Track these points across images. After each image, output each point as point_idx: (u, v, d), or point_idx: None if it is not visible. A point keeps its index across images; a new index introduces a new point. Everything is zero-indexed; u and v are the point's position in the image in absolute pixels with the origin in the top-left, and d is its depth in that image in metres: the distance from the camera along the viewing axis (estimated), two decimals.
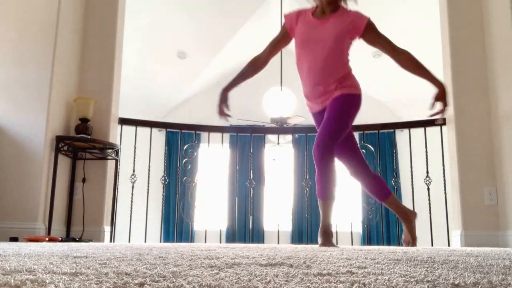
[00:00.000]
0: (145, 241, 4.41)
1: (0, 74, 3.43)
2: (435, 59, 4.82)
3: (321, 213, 2.49)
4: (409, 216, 2.71)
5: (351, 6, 2.54)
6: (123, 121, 4.06)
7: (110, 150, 3.68)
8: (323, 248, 2.16)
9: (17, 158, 3.29)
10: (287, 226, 7.34)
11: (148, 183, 4.23)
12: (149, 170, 4.31)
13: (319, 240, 2.48)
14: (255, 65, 2.68)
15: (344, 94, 2.50)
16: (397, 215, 2.77)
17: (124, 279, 0.72)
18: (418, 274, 0.83)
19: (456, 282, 0.70)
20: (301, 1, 7.10)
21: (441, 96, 2.53)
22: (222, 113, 2.68)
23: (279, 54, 7.43)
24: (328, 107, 2.51)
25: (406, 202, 7.31)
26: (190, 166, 5.32)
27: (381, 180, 2.70)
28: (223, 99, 2.67)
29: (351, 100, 2.51)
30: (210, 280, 0.71)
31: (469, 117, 3.57)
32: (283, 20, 2.63)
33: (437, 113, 2.54)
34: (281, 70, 6.77)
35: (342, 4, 2.53)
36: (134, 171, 4.11)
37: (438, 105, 2.53)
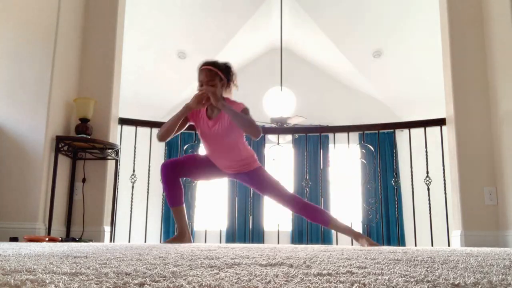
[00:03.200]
0: (145, 241, 4.41)
1: (0, 74, 3.43)
2: (435, 59, 4.83)
3: None
4: (359, 234, 2.89)
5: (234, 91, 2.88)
6: (123, 121, 4.06)
7: (110, 150, 3.68)
8: (323, 247, 2.16)
9: (17, 158, 3.29)
10: (287, 226, 7.33)
11: (148, 183, 4.23)
12: (149, 170, 4.30)
13: None
14: (164, 134, 2.89)
15: (258, 167, 2.95)
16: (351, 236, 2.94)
17: (124, 279, 0.72)
18: (418, 274, 0.83)
19: (456, 282, 0.70)
20: (301, 1, 7.12)
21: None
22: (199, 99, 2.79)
23: (278, 54, 7.42)
24: (255, 177, 2.93)
25: (406, 202, 7.34)
26: None
27: (321, 210, 2.98)
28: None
29: (261, 169, 2.97)
30: (210, 280, 0.71)
31: (469, 117, 3.57)
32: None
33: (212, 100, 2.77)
34: (281, 70, 6.77)
35: (227, 94, 2.84)
36: (134, 171, 4.11)
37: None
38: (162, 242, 3.89)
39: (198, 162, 2.96)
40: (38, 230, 3.20)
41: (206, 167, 2.94)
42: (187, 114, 2.81)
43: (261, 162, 7.64)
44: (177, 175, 2.89)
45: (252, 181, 2.95)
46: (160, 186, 4.55)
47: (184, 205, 2.93)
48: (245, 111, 2.74)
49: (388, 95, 7.89)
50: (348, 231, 2.92)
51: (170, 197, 2.89)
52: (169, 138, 2.87)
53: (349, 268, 0.93)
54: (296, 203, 2.90)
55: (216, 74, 2.77)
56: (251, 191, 4.74)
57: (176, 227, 2.93)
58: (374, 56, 7.21)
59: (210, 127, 2.80)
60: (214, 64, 2.81)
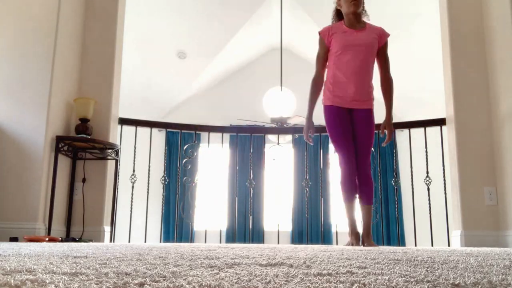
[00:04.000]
0: (145, 241, 4.41)
1: (0, 74, 3.43)
2: (435, 59, 4.83)
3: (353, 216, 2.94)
4: (369, 234, 2.92)
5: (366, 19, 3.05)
6: (123, 121, 4.06)
7: (110, 150, 3.69)
8: (323, 247, 2.16)
9: (17, 158, 3.29)
10: (287, 226, 7.34)
11: (148, 183, 4.23)
12: (149, 170, 4.31)
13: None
14: (319, 84, 3.07)
15: (372, 110, 3.01)
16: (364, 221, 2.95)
17: (124, 279, 0.72)
18: (418, 274, 0.83)
19: (456, 282, 0.70)
20: (301, 2, 7.11)
21: (387, 126, 3.05)
22: (308, 139, 3.09)
23: (279, 54, 7.42)
24: (364, 121, 2.96)
25: (406, 202, 7.34)
26: (190, 166, 5.32)
27: (372, 191, 2.99)
28: (311, 126, 3.10)
29: (373, 116, 3.03)
30: (210, 280, 0.71)
31: (469, 117, 3.57)
32: (318, 36, 3.06)
33: (385, 141, 3.06)
34: (281, 70, 6.77)
35: (364, 19, 3.03)
36: (134, 171, 4.11)
37: (386, 132, 3.05)
38: (163, 242, 3.87)
39: (344, 126, 2.93)
40: (38, 230, 3.20)
41: (346, 124, 2.94)
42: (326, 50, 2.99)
43: (261, 162, 7.67)
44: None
45: (362, 121, 2.95)
46: (160, 186, 4.57)
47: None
48: (387, 44, 2.98)
49: None
50: (366, 226, 2.90)
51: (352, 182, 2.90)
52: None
53: (349, 268, 0.93)
54: (367, 168, 2.92)
55: None
56: (251, 191, 4.73)
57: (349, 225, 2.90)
58: None
59: (356, 36, 2.90)
60: None
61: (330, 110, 2.97)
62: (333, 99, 2.95)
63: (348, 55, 2.89)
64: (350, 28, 2.94)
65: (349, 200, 2.89)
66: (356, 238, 2.85)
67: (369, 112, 2.97)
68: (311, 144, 3.15)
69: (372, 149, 5.33)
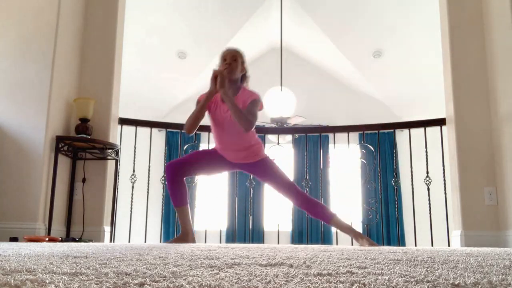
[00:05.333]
0: (145, 241, 4.41)
1: (0, 74, 3.43)
2: (435, 59, 4.83)
3: None
4: (359, 234, 2.89)
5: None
6: (123, 121, 4.06)
7: (110, 150, 3.68)
8: (323, 247, 2.16)
9: (17, 158, 3.29)
10: (287, 226, 7.33)
11: (148, 183, 4.23)
12: (149, 170, 4.30)
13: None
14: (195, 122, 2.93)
15: (263, 159, 2.98)
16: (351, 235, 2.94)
17: (124, 279, 0.72)
18: (418, 274, 0.83)
19: (456, 282, 0.70)
20: (301, 2, 7.11)
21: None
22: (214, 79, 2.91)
23: (279, 54, 7.41)
24: (263, 169, 2.96)
25: (406, 202, 7.34)
26: None
27: (323, 205, 3.00)
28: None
29: (268, 160, 3.02)
30: (210, 280, 0.71)
31: (469, 117, 3.57)
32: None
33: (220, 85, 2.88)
34: (281, 70, 6.77)
35: (243, 84, 2.99)
36: (134, 171, 4.11)
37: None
38: (163, 242, 3.89)
39: (202, 158, 2.99)
40: (38, 230, 3.20)
41: (210, 161, 2.98)
42: (212, 98, 2.86)
43: None
44: (182, 174, 2.89)
45: (257, 171, 2.98)
46: (160, 186, 4.56)
47: (188, 205, 2.95)
48: (253, 103, 2.83)
49: (388, 95, 7.89)
50: (348, 229, 2.92)
51: (175, 197, 2.89)
52: (196, 129, 2.90)
53: (349, 268, 0.93)
54: (299, 195, 2.90)
55: (239, 58, 2.94)
56: (251, 191, 4.74)
57: (180, 227, 2.95)
58: (374, 56, 7.21)
59: (224, 111, 2.85)
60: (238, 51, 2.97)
61: (210, 151, 3.01)
62: (218, 148, 2.99)
63: (217, 129, 2.91)
64: (221, 100, 2.88)
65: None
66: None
67: (261, 161, 2.97)
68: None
69: (372, 149, 5.31)
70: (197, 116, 2.83)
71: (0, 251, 1.47)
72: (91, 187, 3.64)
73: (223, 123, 2.87)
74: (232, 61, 2.90)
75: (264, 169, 2.96)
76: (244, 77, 3.02)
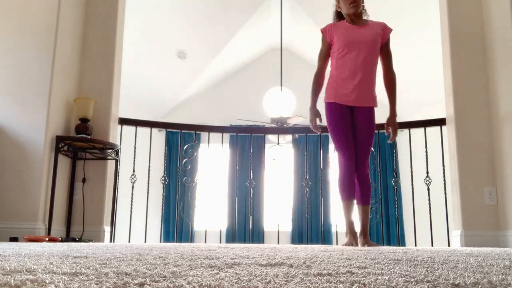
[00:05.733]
0: (145, 241, 4.41)
1: (0, 74, 3.43)
2: (435, 59, 4.82)
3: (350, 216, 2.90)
4: (365, 232, 2.90)
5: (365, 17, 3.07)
6: (123, 121, 4.06)
7: (110, 150, 3.68)
8: (323, 247, 2.16)
9: (17, 158, 3.29)
10: (287, 226, 7.33)
11: (148, 183, 4.23)
12: (149, 170, 4.31)
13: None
14: (320, 81, 3.04)
15: (373, 108, 3.01)
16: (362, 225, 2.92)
17: (124, 279, 0.72)
18: (418, 274, 0.83)
19: (456, 282, 0.70)
20: (301, 2, 7.10)
21: (390, 123, 3.04)
22: (316, 127, 3.02)
23: (279, 54, 7.41)
24: (365, 120, 2.96)
25: (406, 202, 7.34)
26: (190, 166, 5.32)
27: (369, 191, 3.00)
28: (317, 113, 3.02)
29: (374, 115, 3.04)
30: (210, 280, 0.71)
31: (469, 117, 3.57)
32: (321, 34, 3.08)
33: (391, 139, 3.05)
34: (281, 70, 6.77)
35: (364, 17, 3.04)
36: (134, 171, 4.11)
37: (390, 130, 3.04)
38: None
39: (347, 127, 2.93)
40: (38, 230, 3.20)
41: (347, 125, 2.93)
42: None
43: (261, 162, 7.67)
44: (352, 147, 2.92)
45: (363, 121, 2.93)
46: (160, 186, 4.56)
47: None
48: (389, 38, 2.98)
49: None
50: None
51: (351, 189, 2.89)
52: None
53: (349, 268, 0.93)
54: (365, 168, 2.90)
55: None
56: (251, 191, 4.73)
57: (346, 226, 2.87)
58: None
59: (359, 32, 2.89)
60: None
61: (332, 108, 2.94)
62: (336, 96, 2.93)
63: (351, 52, 2.87)
64: (352, 24, 2.94)
65: (347, 199, 2.87)
66: (354, 238, 2.84)
67: (371, 111, 2.96)
68: (319, 132, 3.08)
69: (372, 149, 5.32)
70: (321, 72, 3.01)
71: (0, 251, 1.47)
72: (91, 187, 3.64)
73: (360, 44, 2.87)
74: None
75: (369, 119, 2.95)
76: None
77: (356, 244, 2.83)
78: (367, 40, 2.87)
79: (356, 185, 2.90)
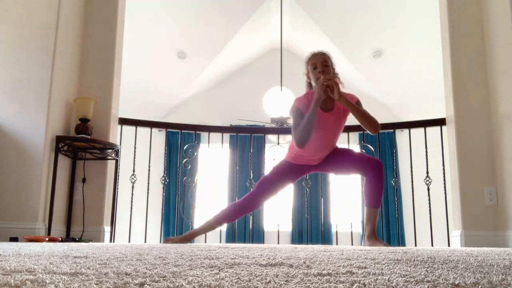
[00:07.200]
0: (145, 241, 4.41)
1: (0, 74, 3.43)
2: (435, 59, 4.83)
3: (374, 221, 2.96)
4: (373, 235, 3.00)
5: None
6: (123, 121, 4.06)
7: (110, 150, 3.68)
8: (323, 247, 2.16)
9: (17, 158, 3.29)
10: (287, 226, 7.34)
11: (148, 183, 4.23)
12: (149, 170, 4.31)
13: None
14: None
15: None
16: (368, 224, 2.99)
17: (124, 279, 0.72)
18: (418, 274, 0.83)
19: (456, 282, 0.70)
20: (301, 1, 7.11)
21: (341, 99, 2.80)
22: (326, 80, 2.73)
23: (279, 54, 7.40)
24: (340, 153, 2.93)
25: (406, 202, 7.34)
26: (190, 166, 5.32)
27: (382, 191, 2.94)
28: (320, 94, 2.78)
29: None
30: (210, 280, 0.71)
31: (469, 117, 3.57)
32: (293, 103, 2.92)
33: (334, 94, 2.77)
34: (281, 70, 6.77)
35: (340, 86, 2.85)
36: (134, 171, 4.11)
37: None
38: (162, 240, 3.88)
39: (286, 176, 2.99)
40: (38, 230, 3.20)
41: (289, 176, 3.00)
42: (319, 105, 2.72)
43: (261, 162, 7.65)
44: (266, 197, 2.97)
45: (331, 159, 2.91)
46: (160, 186, 4.57)
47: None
48: (359, 103, 2.81)
49: (388, 95, 7.89)
50: (370, 227, 2.97)
51: (236, 213, 2.96)
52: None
53: (349, 268, 0.93)
54: (380, 167, 2.78)
55: (329, 61, 2.84)
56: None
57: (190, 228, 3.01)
58: (374, 56, 7.21)
59: (326, 118, 2.79)
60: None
61: (285, 162, 3.01)
62: (296, 159, 2.96)
63: (316, 134, 2.75)
64: (320, 108, 2.78)
65: (218, 221, 2.98)
66: (185, 239, 2.92)
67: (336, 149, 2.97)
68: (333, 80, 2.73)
69: (372, 148, 5.31)
70: (311, 125, 2.67)
71: (0, 251, 1.47)
72: (91, 187, 3.64)
73: (324, 128, 2.79)
74: (325, 67, 2.80)
75: (338, 152, 2.93)
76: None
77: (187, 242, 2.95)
78: (331, 124, 2.82)
79: (375, 185, 2.81)
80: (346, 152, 2.93)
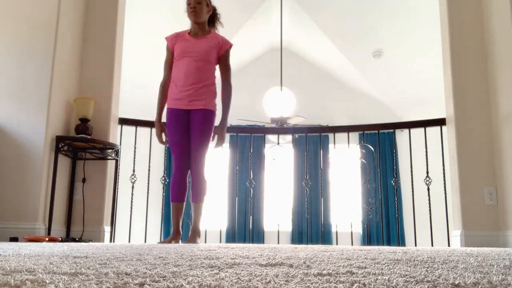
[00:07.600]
0: (145, 241, 4.41)
1: (0, 74, 3.43)
2: (435, 59, 4.83)
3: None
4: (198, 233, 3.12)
5: (220, 29, 3.25)
6: (123, 121, 4.06)
7: (110, 150, 3.68)
8: (323, 247, 2.17)
9: (17, 158, 3.29)
10: (287, 226, 7.34)
11: (148, 183, 4.22)
12: (149, 170, 4.30)
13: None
14: (165, 87, 3.23)
15: (210, 110, 3.09)
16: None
17: (124, 279, 0.72)
18: (418, 274, 0.83)
19: (456, 282, 0.70)
20: (301, 1, 7.11)
21: (217, 130, 3.13)
22: (162, 142, 3.14)
23: (279, 54, 7.41)
24: (197, 120, 3.03)
25: (406, 202, 7.34)
26: None
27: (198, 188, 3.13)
28: (162, 128, 3.14)
29: (212, 117, 3.10)
30: (210, 280, 0.71)
31: (469, 117, 3.57)
32: (167, 42, 3.22)
33: (215, 145, 3.14)
34: (281, 70, 6.77)
35: (212, 29, 3.18)
36: (134, 171, 4.11)
37: (216, 138, 3.13)
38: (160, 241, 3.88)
39: (180, 135, 3.04)
40: (38, 230, 3.20)
41: (181, 128, 3.05)
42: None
43: (261, 162, 7.67)
44: (185, 157, 3.03)
45: (196, 120, 3.01)
46: (160, 186, 4.56)
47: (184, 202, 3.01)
48: (229, 52, 3.16)
49: (388, 95, 7.89)
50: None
51: (180, 189, 3.03)
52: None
53: (349, 268, 0.93)
54: (197, 165, 2.98)
55: (203, 0, 3.07)
56: (251, 191, 4.73)
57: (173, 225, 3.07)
58: (374, 56, 7.21)
59: (195, 44, 3.05)
60: None
61: (168, 112, 3.10)
62: (172, 101, 3.08)
63: (185, 61, 3.02)
64: (191, 36, 3.10)
65: (173, 201, 3.06)
66: (175, 237, 3.07)
67: (205, 112, 3.04)
68: (166, 145, 3.20)
69: (372, 149, 5.33)
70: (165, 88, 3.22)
71: (0, 251, 1.47)
72: (91, 187, 3.64)
73: (192, 53, 3.02)
74: (196, 4, 3.02)
75: (200, 120, 3.01)
76: (214, 17, 3.17)
77: (177, 242, 3.04)
78: (199, 51, 3.02)
79: (192, 183, 3.04)
80: (199, 128, 3.01)
